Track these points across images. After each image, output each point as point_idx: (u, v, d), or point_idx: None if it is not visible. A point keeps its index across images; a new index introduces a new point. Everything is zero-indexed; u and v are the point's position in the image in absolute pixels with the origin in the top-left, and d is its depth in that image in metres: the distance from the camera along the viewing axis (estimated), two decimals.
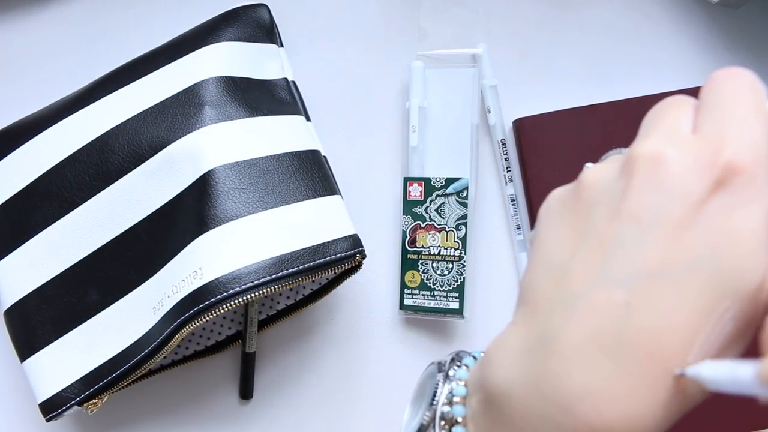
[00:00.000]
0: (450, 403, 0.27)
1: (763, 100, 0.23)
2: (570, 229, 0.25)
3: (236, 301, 0.39)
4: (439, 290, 0.47)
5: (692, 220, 0.22)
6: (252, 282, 0.39)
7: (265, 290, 0.39)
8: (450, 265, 0.47)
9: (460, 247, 0.47)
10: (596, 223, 0.24)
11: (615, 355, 0.22)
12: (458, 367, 0.29)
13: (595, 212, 0.24)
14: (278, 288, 0.39)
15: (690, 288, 0.21)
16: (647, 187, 0.22)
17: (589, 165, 0.28)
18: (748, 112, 0.22)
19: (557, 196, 0.27)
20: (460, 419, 0.27)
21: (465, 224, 0.47)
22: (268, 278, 0.39)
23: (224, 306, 0.39)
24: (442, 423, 0.27)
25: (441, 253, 0.47)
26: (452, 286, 0.47)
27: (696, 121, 0.23)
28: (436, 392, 0.28)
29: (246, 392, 0.48)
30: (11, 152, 0.44)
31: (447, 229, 0.47)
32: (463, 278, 0.47)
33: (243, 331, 0.48)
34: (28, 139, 0.44)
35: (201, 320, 0.39)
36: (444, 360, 0.29)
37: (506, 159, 0.50)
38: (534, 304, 0.25)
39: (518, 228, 0.49)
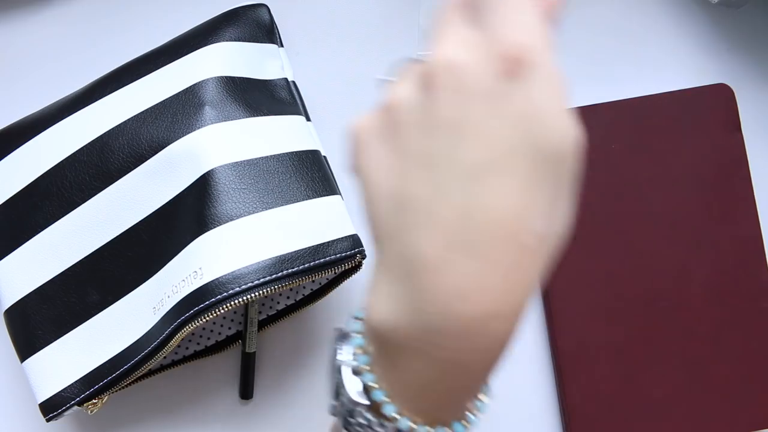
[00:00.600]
0: (353, 355, 0.28)
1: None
2: (390, 153, 0.26)
3: (236, 301, 0.39)
4: None
5: (500, 113, 0.23)
6: (252, 282, 0.39)
7: (265, 290, 0.39)
8: None
9: None
10: (414, 141, 0.25)
11: (475, 252, 0.23)
12: (354, 320, 0.29)
13: (410, 132, 0.25)
14: (278, 288, 0.39)
15: (518, 171, 0.23)
16: (450, 95, 0.23)
17: (379, 77, 0.28)
18: (521, 9, 0.24)
19: (366, 126, 0.27)
20: (364, 367, 0.28)
21: None
22: (268, 278, 0.39)
23: (224, 306, 0.39)
24: (350, 375, 0.28)
25: None
26: None
27: (476, 18, 0.25)
28: (337, 352, 0.29)
29: (246, 392, 0.48)
30: (11, 152, 0.44)
31: None
32: None
33: (243, 331, 0.48)
34: (29, 139, 0.44)
35: (201, 320, 0.39)
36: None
37: None
38: (385, 237, 0.26)
39: None
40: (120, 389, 0.43)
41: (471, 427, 0.29)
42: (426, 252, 0.24)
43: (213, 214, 0.40)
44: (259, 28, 0.47)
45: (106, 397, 0.43)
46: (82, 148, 0.43)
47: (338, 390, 0.29)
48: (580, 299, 0.48)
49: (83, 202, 0.43)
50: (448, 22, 0.25)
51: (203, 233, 0.40)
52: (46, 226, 0.43)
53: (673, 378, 0.47)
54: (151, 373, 0.46)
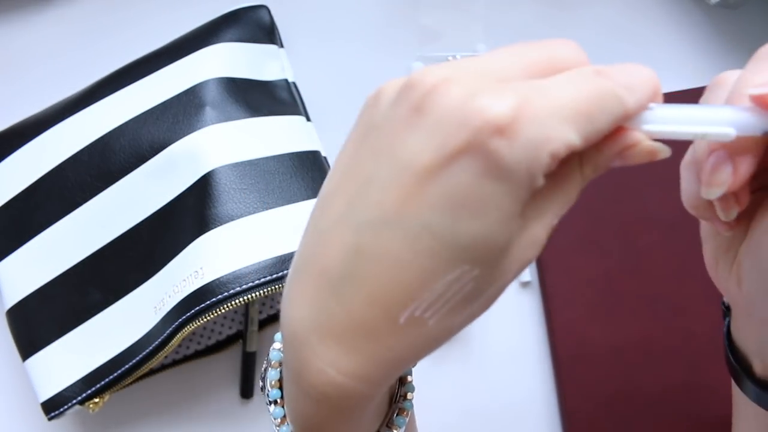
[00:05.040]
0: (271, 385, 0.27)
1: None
2: (353, 148, 0.22)
3: (237, 301, 0.39)
4: None
5: (439, 176, 0.20)
6: (253, 282, 0.39)
7: (265, 290, 0.39)
8: None
9: None
10: (364, 150, 0.22)
11: (340, 294, 0.21)
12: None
13: (369, 137, 0.22)
14: (279, 288, 0.40)
15: (422, 246, 0.20)
16: (409, 114, 0.20)
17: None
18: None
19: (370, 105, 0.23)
20: (272, 382, 0.27)
21: None
22: (268, 278, 0.39)
23: (225, 306, 0.39)
24: (270, 382, 0.27)
25: None
26: None
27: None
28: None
29: (246, 392, 0.48)
30: (13, 152, 0.45)
31: None
32: None
33: (244, 330, 0.48)
34: (30, 140, 0.44)
35: (202, 320, 0.39)
36: None
37: None
38: (305, 231, 0.24)
39: None
40: (121, 388, 0.43)
41: None
42: (304, 266, 0.22)
43: (214, 215, 0.40)
44: (259, 29, 0.47)
45: (108, 396, 0.43)
46: (83, 148, 0.43)
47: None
48: (579, 299, 0.48)
49: (84, 202, 0.43)
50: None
51: (204, 233, 0.40)
52: (48, 226, 0.43)
53: (672, 378, 0.47)
54: (152, 372, 0.46)
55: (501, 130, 0.19)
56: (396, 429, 0.27)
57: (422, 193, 0.20)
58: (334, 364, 0.22)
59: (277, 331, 0.52)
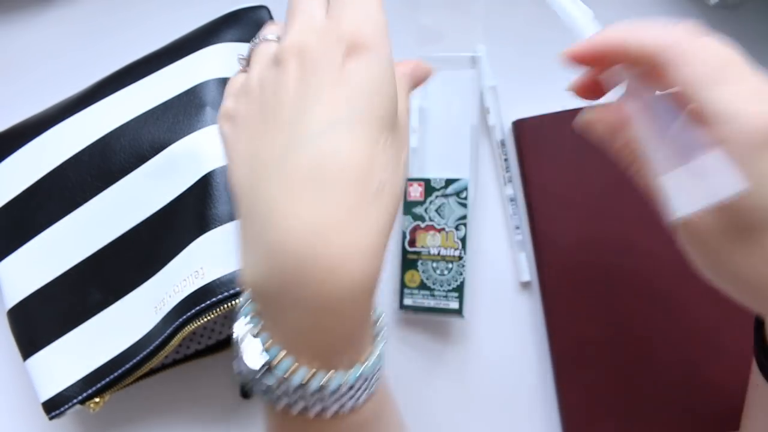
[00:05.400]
0: (247, 323, 0.29)
1: None
2: (250, 127, 0.29)
3: (238, 301, 0.39)
4: (438, 290, 0.47)
5: (342, 81, 0.27)
6: None
7: None
8: (450, 266, 0.47)
9: (459, 248, 0.47)
10: (270, 114, 0.28)
11: (322, 192, 0.26)
12: (241, 296, 0.30)
13: (266, 108, 0.29)
14: None
15: (359, 129, 0.27)
16: (299, 70, 0.28)
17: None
18: None
19: (224, 110, 0.31)
20: (257, 328, 0.28)
21: (465, 224, 0.47)
22: None
23: (225, 306, 0.39)
24: (250, 341, 0.28)
25: (441, 254, 0.48)
26: (452, 286, 0.47)
27: (328, 8, 0.29)
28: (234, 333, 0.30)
29: (246, 392, 0.48)
30: (14, 152, 0.45)
31: (447, 230, 0.48)
32: (463, 278, 0.47)
33: None
34: (31, 140, 0.44)
35: (203, 320, 0.39)
36: None
37: (506, 160, 0.50)
38: (246, 195, 0.29)
39: (517, 228, 0.50)
40: (121, 388, 0.43)
41: (367, 367, 0.29)
42: (275, 198, 0.26)
43: (214, 215, 0.41)
44: (259, 29, 0.47)
45: (108, 396, 0.43)
46: (84, 148, 0.43)
47: (244, 368, 0.29)
48: (578, 299, 0.48)
49: (85, 202, 0.43)
50: (301, 10, 0.29)
51: (204, 233, 0.40)
52: (49, 226, 0.43)
53: (672, 377, 0.47)
54: (153, 371, 0.46)
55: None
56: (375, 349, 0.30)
57: (339, 97, 0.27)
58: (342, 251, 0.26)
59: None
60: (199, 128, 0.42)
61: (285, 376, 0.28)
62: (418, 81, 0.35)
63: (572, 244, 0.48)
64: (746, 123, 0.29)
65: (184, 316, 0.39)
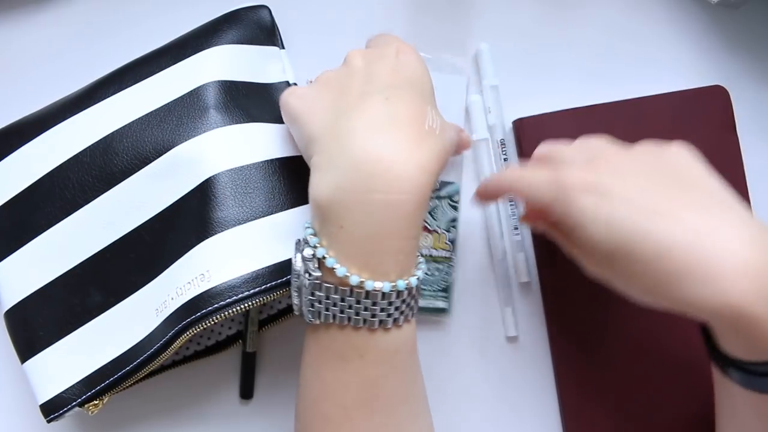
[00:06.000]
0: (307, 243, 0.36)
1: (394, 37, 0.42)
2: (328, 95, 0.39)
3: (245, 306, 0.39)
4: (428, 290, 0.48)
5: (396, 66, 0.38)
6: (260, 287, 0.39)
7: (272, 294, 0.39)
8: (439, 266, 0.48)
9: (450, 249, 0.48)
10: (345, 85, 0.38)
11: (393, 125, 0.35)
12: (304, 228, 0.37)
13: (341, 82, 0.39)
14: (285, 292, 0.40)
15: (413, 95, 0.37)
16: (365, 63, 0.39)
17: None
18: (390, 37, 0.42)
19: (302, 91, 0.40)
20: (316, 244, 0.35)
21: (456, 227, 0.48)
22: (275, 283, 0.39)
23: (232, 310, 0.38)
24: (307, 258, 0.36)
25: (432, 255, 0.48)
26: (441, 286, 0.48)
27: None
28: (294, 260, 0.37)
29: (246, 392, 0.48)
30: (14, 151, 0.44)
31: (439, 232, 0.48)
32: (452, 279, 0.48)
33: (243, 330, 0.48)
34: (31, 139, 0.44)
35: (207, 323, 0.39)
36: None
37: (506, 159, 0.50)
38: (326, 134, 0.37)
39: (516, 228, 0.50)
40: (121, 390, 0.43)
41: (412, 284, 0.36)
42: (356, 128, 0.35)
43: (218, 218, 0.40)
44: (260, 29, 0.47)
45: (107, 398, 0.43)
46: (85, 149, 0.43)
47: (300, 290, 0.36)
48: (579, 299, 0.48)
49: (86, 204, 0.43)
50: (381, 45, 0.41)
51: (209, 237, 0.40)
52: (48, 227, 0.43)
53: (672, 378, 0.47)
54: (152, 373, 0.46)
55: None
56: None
57: (397, 72, 0.38)
58: (410, 162, 0.34)
59: (277, 332, 0.53)
60: (203, 131, 0.42)
61: (343, 280, 0.34)
62: (459, 147, 0.42)
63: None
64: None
65: (189, 319, 0.39)
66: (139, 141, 0.42)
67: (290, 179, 0.43)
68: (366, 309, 0.35)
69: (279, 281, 0.40)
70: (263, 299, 0.39)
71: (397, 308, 0.36)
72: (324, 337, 0.37)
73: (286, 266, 0.40)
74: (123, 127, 0.43)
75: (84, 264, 0.43)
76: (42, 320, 0.43)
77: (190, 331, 0.39)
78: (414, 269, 0.37)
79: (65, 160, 0.43)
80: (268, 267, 0.40)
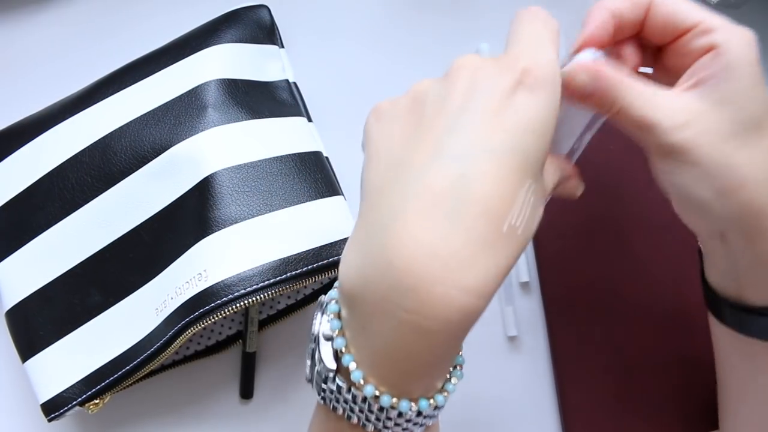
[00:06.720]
0: (328, 322, 0.29)
1: (552, 28, 0.30)
2: (401, 128, 0.28)
3: (241, 304, 0.39)
4: None
5: (506, 110, 0.26)
6: (257, 284, 0.39)
7: (269, 292, 0.39)
8: None
9: None
10: (427, 117, 0.28)
11: (455, 216, 0.25)
12: (333, 290, 0.30)
13: (423, 113, 0.28)
14: (282, 290, 0.40)
15: (508, 166, 0.26)
16: (467, 86, 0.27)
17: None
18: (538, 35, 0.29)
19: (385, 105, 0.30)
20: (336, 332, 0.28)
21: None
22: (272, 280, 0.39)
23: (230, 308, 0.39)
24: (324, 341, 0.29)
25: None
26: None
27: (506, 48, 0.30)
28: (314, 322, 0.30)
29: (246, 392, 0.48)
30: (13, 152, 0.44)
31: None
32: None
33: (243, 330, 0.48)
34: (30, 140, 0.44)
35: (206, 322, 0.39)
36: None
37: None
38: (375, 195, 0.28)
39: None
40: (121, 389, 0.43)
41: (438, 404, 0.29)
42: (404, 208, 0.26)
43: (216, 217, 0.40)
44: (259, 29, 0.47)
45: (108, 398, 0.43)
46: (84, 149, 0.43)
47: (314, 358, 0.30)
48: (579, 299, 0.48)
49: (85, 204, 0.43)
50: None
51: (207, 236, 0.40)
52: (48, 227, 0.43)
53: (672, 377, 0.47)
54: (152, 372, 0.46)
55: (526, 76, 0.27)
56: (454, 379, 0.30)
57: (498, 123, 0.26)
58: (458, 283, 0.25)
59: (277, 332, 0.53)
60: (201, 130, 0.42)
61: (357, 385, 0.28)
62: (563, 185, 0.35)
63: (572, 244, 0.48)
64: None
65: (188, 318, 0.39)
66: (138, 140, 0.42)
67: (289, 177, 0.43)
68: (378, 419, 0.28)
69: (277, 279, 0.40)
70: (261, 297, 0.39)
71: (416, 424, 0.29)
72: (331, 421, 0.30)
73: (284, 263, 0.40)
74: (121, 126, 0.43)
75: (84, 264, 0.43)
76: (42, 320, 0.43)
77: (190, 330, 0.39)
78: (445, 383, 0.30)
79: (64, 160, 0.43)
80: (265, 264, 0.40)
